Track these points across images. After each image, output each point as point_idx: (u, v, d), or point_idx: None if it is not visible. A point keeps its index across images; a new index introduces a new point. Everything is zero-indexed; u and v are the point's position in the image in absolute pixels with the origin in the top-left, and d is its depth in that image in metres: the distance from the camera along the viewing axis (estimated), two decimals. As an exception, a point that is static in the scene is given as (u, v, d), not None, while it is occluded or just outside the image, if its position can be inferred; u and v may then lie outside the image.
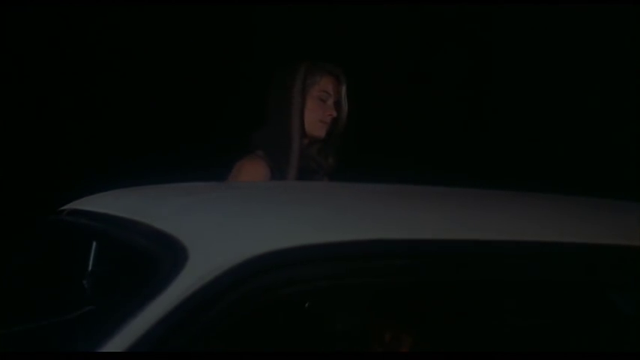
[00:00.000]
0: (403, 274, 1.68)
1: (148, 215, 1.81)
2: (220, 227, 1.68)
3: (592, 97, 4.91)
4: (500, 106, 5.16)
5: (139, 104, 4.91)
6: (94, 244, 2.45)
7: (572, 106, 4.99)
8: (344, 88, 2.97)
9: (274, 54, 4.87)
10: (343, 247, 1.64)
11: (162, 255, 1.61)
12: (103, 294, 2.29)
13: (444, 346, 1.96)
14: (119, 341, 1.48)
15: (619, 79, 4.75)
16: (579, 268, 1.80)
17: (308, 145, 2.92)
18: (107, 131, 4.92)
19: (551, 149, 5.05)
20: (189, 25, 4.74)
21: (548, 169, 4.93)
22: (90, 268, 2.45)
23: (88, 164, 4.69)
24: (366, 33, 5.08)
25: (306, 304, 2.05)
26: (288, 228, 1.67)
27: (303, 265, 1.60)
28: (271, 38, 4.93)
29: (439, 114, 5.16)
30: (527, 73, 5.13)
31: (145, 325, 1.49)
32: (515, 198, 2.19)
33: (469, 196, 2.16)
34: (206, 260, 1.56)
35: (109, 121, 4.93)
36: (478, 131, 5.13)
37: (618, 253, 1.80)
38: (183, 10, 4.77)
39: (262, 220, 1.71)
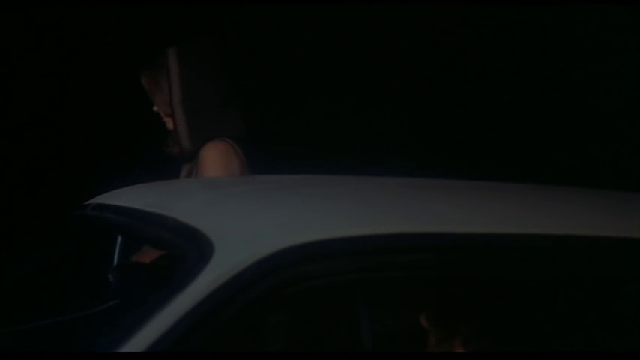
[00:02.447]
0: (430, 267, 1.68)
1: (174, 209, 1.81)
2: (245, 221, 1.68)
3: (598, 94, 4.90)
4: (506, 102, 5.14)
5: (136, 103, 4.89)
6: (119, 238, 2.46)
7: (580, 103, 4.97)
8: (150, 79, 2.94)
9: (272, 52, 4.90)
10: (368, 240, 1.64)
11: (187, 249, 1.62)
12: (129, 288, 2.30)
13: (468, 341, 1.95)
14: (145, 335, 1.49)
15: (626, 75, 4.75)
16: (602, 261, 1.80)
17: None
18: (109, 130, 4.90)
19: (557, 146, 5.03)
20: (188, 25, 4.72)
21: (553, 165, 4.90)
22: (115, 262, 2.46)
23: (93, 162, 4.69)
24: (389, 32, 5.07)
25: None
26: (313, 221, 1.67)
27: (327, 259, 1.60)
28: (268, 37, 4.93)
29: (447, 109, 5.14)
30: (533, 69, 5.11)
31: (171, 318, 1.49)
32: (540, 192, 2.18)
33: (492, 189, 2.15)
34: (231, 254, 1.56)
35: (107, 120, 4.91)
36: (488, 126, 5.10)
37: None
38: (179, 10, 4.74)
39: (287, 213, 1.71)
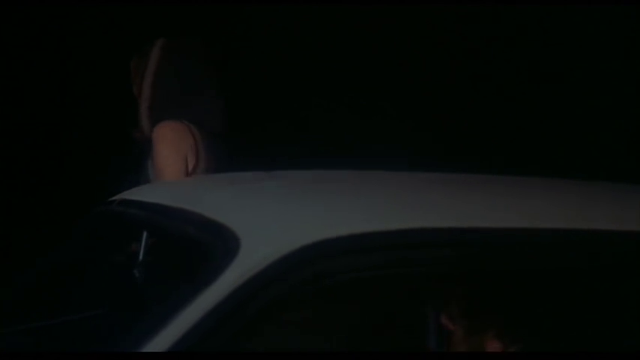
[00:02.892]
0: (455, 262, 1.67)
1: (199, 204, 1.82)
2: (271, 216, 1.68)
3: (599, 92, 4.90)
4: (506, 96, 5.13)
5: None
6: (145, 233, 2.46)
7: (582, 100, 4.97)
8: (136, 64, 2.95)
9: (273, 52, 4.91)
10: (394, 235, 1.63)
11: (213, 244, 1.62)
12: (155, 284, 2.30)
13: (499, 334, 1.94)
14: (171, 331, 1.49)
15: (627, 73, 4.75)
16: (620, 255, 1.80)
17: None
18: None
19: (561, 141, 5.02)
20: (190, 25, 4.72)
21: (553, 165, 4.88)
22: (141, 257, 2.46)
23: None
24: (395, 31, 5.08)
25: None
26: (339, 217, 1.67)
27: (353, 254, 1.60)
28: (266, 36, 4.94)
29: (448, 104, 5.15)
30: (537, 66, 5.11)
31: (198, 314, 1.49)
32: (559, 186, 2.17)
33: (515, 184, 2.15)
34: (257, 249, 1.56)
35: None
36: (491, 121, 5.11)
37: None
38: (182, 11, 4.75)
39: (313, 209, 1.71)
